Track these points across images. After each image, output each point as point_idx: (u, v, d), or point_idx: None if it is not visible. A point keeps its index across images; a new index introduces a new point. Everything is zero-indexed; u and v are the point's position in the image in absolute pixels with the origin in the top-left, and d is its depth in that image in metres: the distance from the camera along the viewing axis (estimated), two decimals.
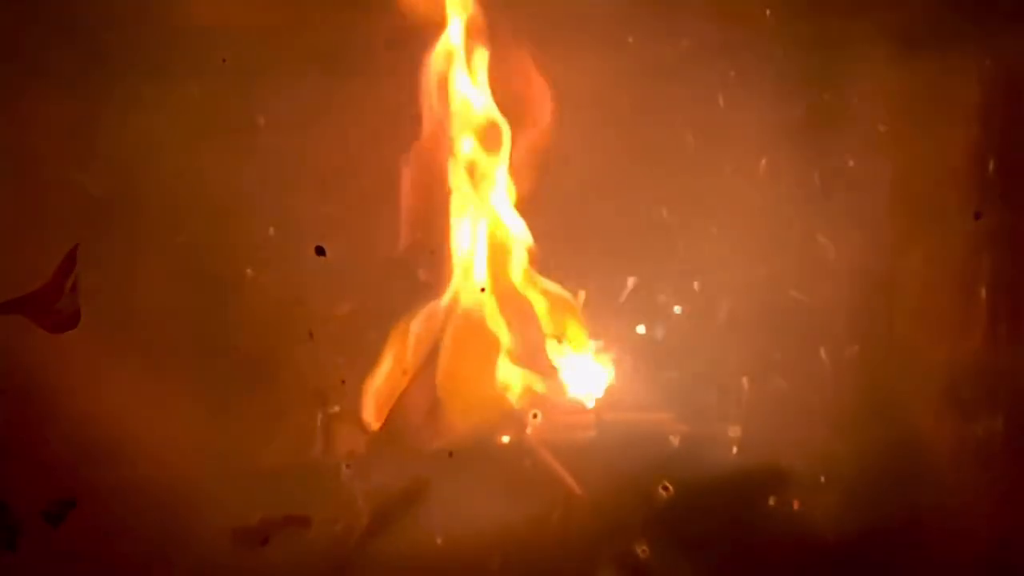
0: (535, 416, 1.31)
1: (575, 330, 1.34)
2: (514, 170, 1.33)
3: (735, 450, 1.32)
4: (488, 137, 1.32)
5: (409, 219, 1.32)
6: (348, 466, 1.27)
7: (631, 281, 1.34)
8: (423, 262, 1.32)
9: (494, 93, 1.32)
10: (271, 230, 1.27)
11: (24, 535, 1.18)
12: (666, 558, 1.28)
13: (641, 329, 1.34)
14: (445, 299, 1.32)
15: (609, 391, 1.35)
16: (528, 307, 1.34)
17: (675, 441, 1.31)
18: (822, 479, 1.32)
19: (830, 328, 1.33)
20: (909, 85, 1.32)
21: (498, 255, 1.34)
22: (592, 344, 1.35)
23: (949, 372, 1.33)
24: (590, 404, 1.35)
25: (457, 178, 1.32)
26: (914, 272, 1.33)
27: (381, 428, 1.29)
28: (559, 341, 1.34)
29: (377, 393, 1.29)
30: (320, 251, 1.26)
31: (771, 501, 1.31)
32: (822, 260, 1.34)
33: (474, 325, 1.33)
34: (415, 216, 1.32)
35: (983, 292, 1.33)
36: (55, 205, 1.24)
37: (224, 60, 1.24)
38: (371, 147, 1.30)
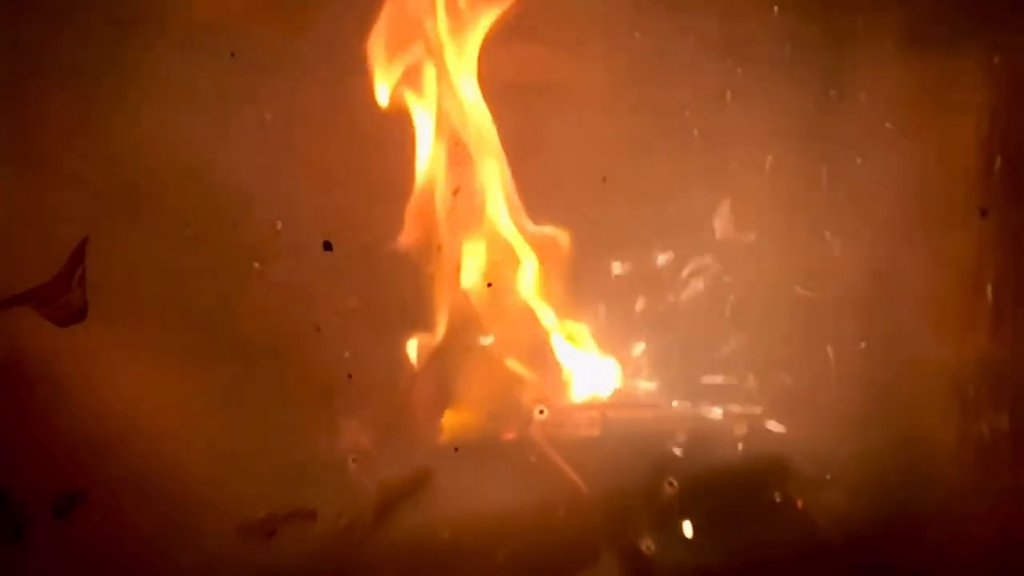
0: (541, 412, 1.32)
1: (578, 327, 1.35)
2: (519, 166, 1.33)
3: (741, 447, 1.32)
4: (494, 134, 1.33)
5: (416, 215, 1.32)
6: (354, 460, 1.27)
7: (637, 277, 1.34)
8: (430, 258, 1.32)
9: (500, 90, 1.32)
10: (278, 225, 1.27)
11: (31, 527, 1.18)
12: (671, 554, 1.28)
13: (647, 326, 1.34)
14: (451, 294, 1.32)
15: (614, 387, 1.35)
16: (534, 303, 1.34)
17: (680, 437, 1.31)
18: (827, 476, 1.32)
19: (836, 325, 1.33)
20: (916, 82, 1.32)
21: (505, 252, 1.34)
22: (596, 341, 1.35)
23: (955, 370, 1.33)
24: (596, 400, 1.35)
25: (464, 173, 1.32)
26: (920, 269, 1.33)
27: (387, 423, 1.30)
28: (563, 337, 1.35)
29: None
30: (327, 246, 1.26)
31: (776, 498, 1.31)
32: (828, 257, 1.34)
33: (480, 321, 1.33)
34: (422, 212, 1.32)
35: (989, 290, 1.33)
36: (63, 199, 1.24)
37: (232, 55, 1.25)
38: (378, 143, 1.30)
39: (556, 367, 1.34)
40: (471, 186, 1.33)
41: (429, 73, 1.31)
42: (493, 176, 1.33)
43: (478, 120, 1.31)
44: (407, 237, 1.31)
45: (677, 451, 1.31)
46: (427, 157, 1.31)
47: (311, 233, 1.26)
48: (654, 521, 1.29)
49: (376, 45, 1.29)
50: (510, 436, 1.31)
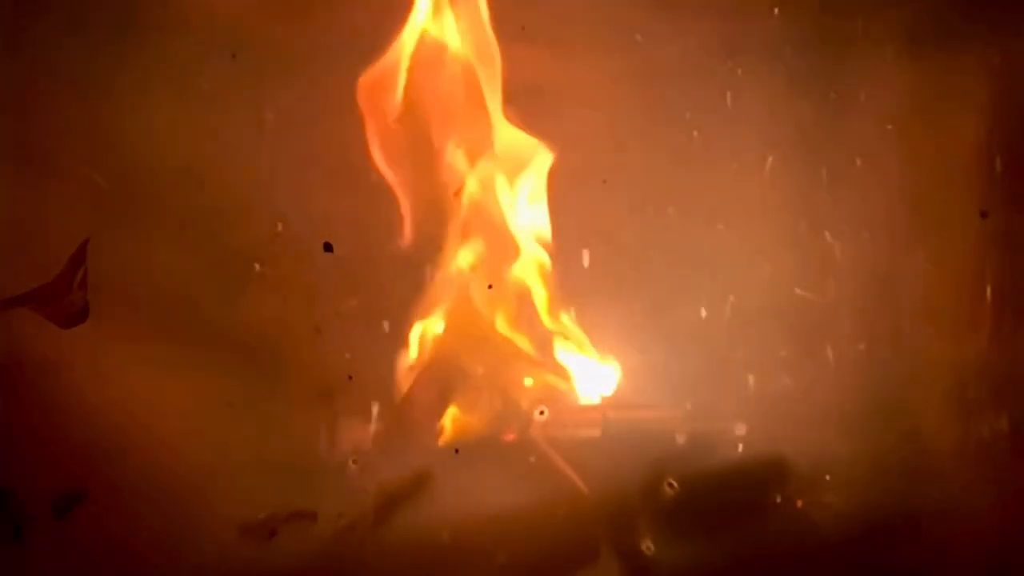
0: (541, 413, 1.31)
1: (578, 328, 1.35)
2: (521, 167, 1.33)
3: (740, 448, 1.32)
4: (495, 136, 1.33)
5: (416, 216, 1.32)
6: (355, 461, 1.27)
7: (637, 279, 1.34)
8: (430, 258, 1.32)
9: (502, 92, 1.32)
10: (279, 226, 1.27)
11: (32, 527, 1.18)
12: (671, 555, 1.28)
13: (647, 327, 1.34)
14: (452, 296, 1.32)
15: (615, 388, 1.35)
16: (534, 305, 1.34)
17: (680, 439, 1.31)
18: (827, 477, 1.31)
19: (836, 326, 1.33)
20: (917, 83, 1.32)
21: (505, 254, 1.34)
22: (596, 342, 1.35)
23: (955, 371, 1.33)
24: (596, 401, 1.35)
25: (465, 176, 1.32)
26: (920, 271, 1.33)
27: (388, 424, 1.30)
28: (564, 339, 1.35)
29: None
30: (328, 247, 1.26)
31: (776, 499, 1.31)
32: (828, 258, 1.33)
33: (480, 322, 1.33)
34: (422, 212, 1.32)
35: (989, 291, 1.33)
36: (64, 200, 1.24)
37: (234, 55, 1.25)
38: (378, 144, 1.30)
39: (557, 368, 1.34)
40: (471, 188, 1.32)
41: (430, 73, 1.31)
42: (495, 178, 1.33)
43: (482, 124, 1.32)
44: (408, 238, 1.31)
45: (677, 452, 1.31)
46: (428, 159, 1.31)
47: (312, 234, 1.26)
48: (654, 522, 1.28)
49: (375, 44, 1.29)
50: (510, 437, 1.31)
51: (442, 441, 1.31)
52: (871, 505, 1.30)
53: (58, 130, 1.24)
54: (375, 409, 1.29)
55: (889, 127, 1.33)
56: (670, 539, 1.28)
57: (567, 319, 1.35)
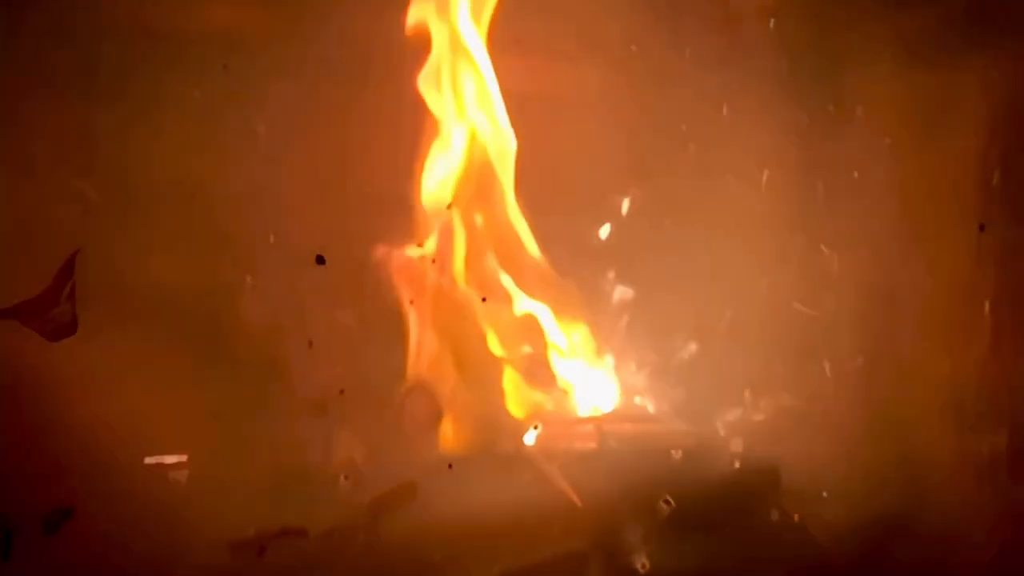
0: (536, 427, 1.31)
1: (574, 342, 1.34)
2: (519, 177, 1.32)
3: (737, 464, 1.31)
4: (492, 150, 1.32)
5: (410, 228, 1.31)
6: (346, 477, 1.26)
7: (633, 293, 1.33)
8: (424, 271, 1.31)
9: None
10: (271, 238, 1.26)
11: (19, 544, 1.17)
12: (667, 572, 1.27)
13: (643, 341, 1.34)
14: (447, 310, 1.32)
15: (611, 403, 1.35)
16: (531, 319, 1.34)
17: (677, 454, 1.30)
18: (824, 493, 1.31)
19: (833, 341, 1.33)
20: (914, 97, 1.32)
21: (500, 266, 1.33)
22: (594, 357, 1.34)
23: (952, 386, 1.32)
24: (591, 416, 1.34)
25: (462, 188, 1.32)
26: (918, 284, 1.33)
27: (381, 438, 1.29)
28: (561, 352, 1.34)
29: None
30: (320, 260, 1.25)
31: (773, 515, 1.30)
32: (825, 272, 1.33)
33: (476, 336, 1.32)
34: (416, 226, 1.32)
35: (987, 305, 1.32)
36: (54, 212, 1.23)
37: (225, 66, 1.24)
38: (372, 156, 1.30)
39: (552, 382, 1.34)
40: (466, 200, 1.32)
41: (425, 84, 1.31)
42: (492, 187, 1.32)
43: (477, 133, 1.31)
44: (401, 250, 1.30)
45: (673, 467, 1.30)
46: (421, 171, 1.31)
47: (304, 247, 1.25)
48: (650, 538, 1.28)
49: (371, 56, 1.29)
50: (505, 452, 1.31)
51: (435, 455, 1.30)
52: (869, 520, 1.30)
53: (48, 142, 1.23)
54: (368, 423, 1.29)
55: (887, 140, 1.33)
56: (665, 556, 1.27)
57: (562, 333, 1.34)
